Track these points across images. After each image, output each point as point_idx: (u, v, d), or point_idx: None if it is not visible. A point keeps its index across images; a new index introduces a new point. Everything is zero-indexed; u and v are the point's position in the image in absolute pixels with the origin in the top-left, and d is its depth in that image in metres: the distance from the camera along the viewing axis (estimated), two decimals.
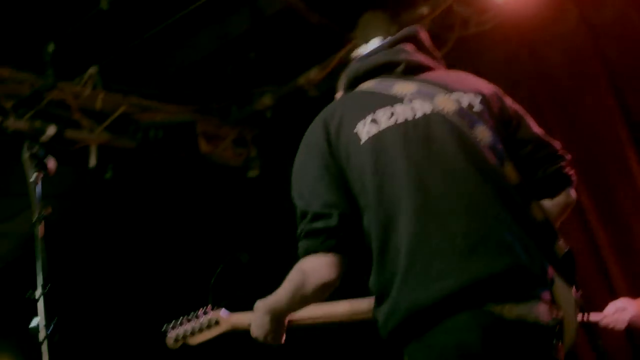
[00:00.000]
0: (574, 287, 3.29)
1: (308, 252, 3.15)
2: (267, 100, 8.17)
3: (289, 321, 3.62)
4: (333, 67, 7.79)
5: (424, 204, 3.05)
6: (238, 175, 8.66)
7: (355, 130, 3.24)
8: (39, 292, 3.18)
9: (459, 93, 3.36)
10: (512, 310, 2.90)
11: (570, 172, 3.46)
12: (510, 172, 3.20)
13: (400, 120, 3.25)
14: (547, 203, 3.37)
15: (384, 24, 7.34)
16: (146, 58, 7.67)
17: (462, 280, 2.90)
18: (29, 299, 3.21)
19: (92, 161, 7.38)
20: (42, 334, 3.09)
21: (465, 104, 3.31)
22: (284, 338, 3.58)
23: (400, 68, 3.48)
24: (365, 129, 3.23)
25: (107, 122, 7.56)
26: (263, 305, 3.45)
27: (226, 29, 7.70)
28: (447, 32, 7.55)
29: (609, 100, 7.03)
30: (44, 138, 7.02)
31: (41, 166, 3.47)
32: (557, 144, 3.47)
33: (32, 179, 3.38)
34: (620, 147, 6.93)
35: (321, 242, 3.12)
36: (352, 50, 7.50)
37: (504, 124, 3.37)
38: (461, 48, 7.59)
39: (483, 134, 3.22)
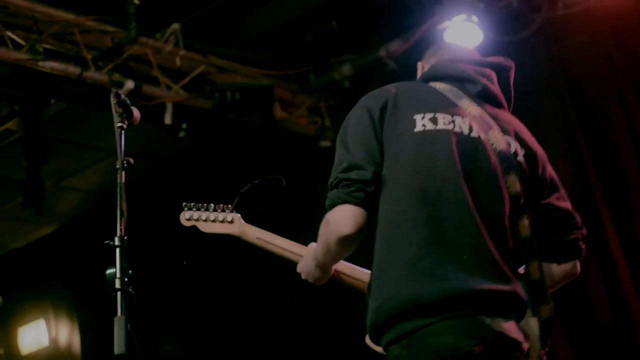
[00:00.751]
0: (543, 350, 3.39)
1: (336, 202, 3.19)
2: (346, 70, 8.10)
3: (336, 271, 3.73)
4: (415, 41, 7.71)
5: (448, 210, 3.15)
6: (310, 144, 8.60)
7: (414, 117, 3.30)
8: (117, 241, 3.13)
9: (512, 137, 3.44)
10: (499, 324, 3.05)
11: (583, 246, 3.57)
12: (523, 226, 3.30)
13: (457, 130, 3.32)
14: (552, 267, 3.54)
15: (470, 1, 7.22)
16: (228, 19, 7.66)
17: (465, 287, 3.03)
18: (106, 246, 3.18)
19: (168, 119, 7.39)
20: (117, 283, 3.04)
21: (512, 149, 3.39)
22: (324, 282, 3.71)
23: (476, 89, 3.53)
24: (422, 122, 3.30)
25: (186, 80, 7.56)
26: (313, 250, 3.57)
27: None
28: (534, 12, 7.43)
29: None
30: (122, 92, 6.99)
31: (127, 114, 3.43)
32: (578, 218, 3.58)
33: (117, 125, 3.33)
34: None
35: (351, 193, 3.17)
36: (434, 25, 7.40)
37: (539, 185, 3.49)
38: (547, 29, 7.50)
39: (513, 182, 3.31)
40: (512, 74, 3.76)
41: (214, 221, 4.03)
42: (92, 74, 6.94)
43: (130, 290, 3.12)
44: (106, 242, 3.15)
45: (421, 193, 3.16)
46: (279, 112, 8.23)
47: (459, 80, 3.55)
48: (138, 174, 9.13)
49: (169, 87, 7.50)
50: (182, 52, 7.34)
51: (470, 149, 3.29)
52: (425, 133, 3.27)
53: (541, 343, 3.33)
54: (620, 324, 6.93)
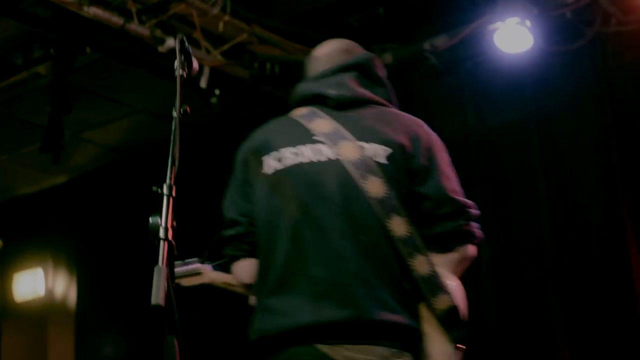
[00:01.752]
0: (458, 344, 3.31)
1: (230, 257, 3.55)
2: (386, 58, 7.96)
3: None
4: (460, 39, 7.60)
5: (295, 249, 3.27)
6: None
7: (262, 159, 3.44)
8: (166, 189, 3.01)
9: (367, 141, 3.37)
10: (340, 351, 3.13)
11: (472, 229, 3.38)
12: (396, 225, 3.24)
13: (304, 160, 3.37)
14: (439, 258, 3.35)
15: (525, 5, 7.12)
16: None
17: (300, 321, 3.18)
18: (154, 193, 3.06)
19: (203, 82, 7.30)
20: (161, 232, 2.92)
21: (368, 153, 3.34)
22: None
23: (332, 102, 3.52)
24: (272, 162, 3.41)
25: (226, 47, 7.46)
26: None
27: None
28: (586, 25, 7.33)
29: None
30: (162, 49, 6.95)
31: (188, 63, 3.32)
32: (462, 201, 3.39)
33: (177, 72, 3.23)
34: None
35: (234, 249, 3.50)
36: (485, 24, 7.30)
37: (410, 176, 3.37)
38: (597, 44, 7.43)
39: (374, 186, 3.27)
40: (377, 63, 3.74)
41: (187, 276, 4.06)
42: (135, 26, 6.84)
43: (172, 241, 2.98)
44: (154, 188, 3.02)
45: (265, 237, 3.38)
46: None
47: (315, 98, 3.57)
48: (161, 134, 9.11)
49: (208, 51, 7.41)
50: (226, 17, 7.24)
51: (315, 178, 3.34)
52: (274, 175, 3.40)
53: (449, 337, 3.27)
54: None
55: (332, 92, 3.52)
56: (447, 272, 3.32)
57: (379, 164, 3.32)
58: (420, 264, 3.23)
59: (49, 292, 10.72)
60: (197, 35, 7.22)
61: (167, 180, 3.02)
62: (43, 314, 10.70)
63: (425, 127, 3.55)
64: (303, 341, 3.18)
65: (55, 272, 10.74)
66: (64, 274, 10.66)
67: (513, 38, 7.18)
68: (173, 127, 3.15)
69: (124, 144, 9.68)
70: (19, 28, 7.38)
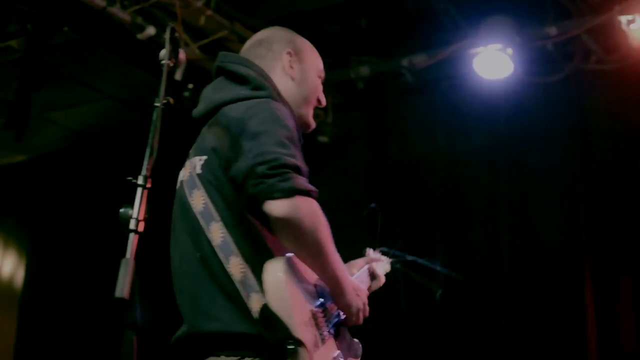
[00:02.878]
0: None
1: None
2: (363, 70, 7.95)
3: None
4: (439, 60, 7.59)
5: (173, 270, 3.38)
6: (308, 136, 8.44)
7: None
8: (141, 180, 2.93)
9: (196, 155, 3.40)
10: None
11: (267, 185, 3.04)
12: (214, 233, 3.21)
13: (180, 178, 3.45)
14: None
15: (508, 33, 7.13)
16: None
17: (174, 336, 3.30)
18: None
19: (179, 75, 7.18)
20: (132, 224, 2.85)
21: (193, 167, 3.36)
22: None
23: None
24: (181, 173, 3.48)
25: (206, 41, 7.39)
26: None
27: None
28: (566, 60, 7.35)
29: None
30: (142, 36, 6.86)
31: (175, 52, 3.27)
32: (257, 159, 3.08)
33: (164, 61, 3.17)
34: None
35: None
36: (465, 47, 7.30)
37: (225, 171, 3.24)
38: (574, 80, 7.47)
39: (197, 199, 3.28)
40: (233, 66, 3.57)
41: None
42: (116, 10, 6.75)
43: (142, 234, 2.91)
44: (129, 178, 2.94)
45: None
46: None
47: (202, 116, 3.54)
48: (127, 122, 9.01)
49: (186, 44, 7.33)
50: (209, 12, 7.18)
51: (178, 197, 3.41)
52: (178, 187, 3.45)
53: (270, 337, 3.10)
54: None
55: (196, 110, 3.57)
56: (289, 251, 3.13)
57: (198, 175, 3.31)
58: (234, 267, 3.15)
59: None
60: (178, 26, 7.12)
61: (143, 171, 2.95)
62: None
63: (246, 109, 3.29)
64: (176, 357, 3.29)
65: (4, 254, 10.52)
66: (13, 257, 10.43)
67: (492, 64, 7.20)
68: (154, 117, 3.08)
69: (89, 128, 9.54)
70: None
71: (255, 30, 7.45)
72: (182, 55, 3.35)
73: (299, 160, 3.13)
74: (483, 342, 7.41)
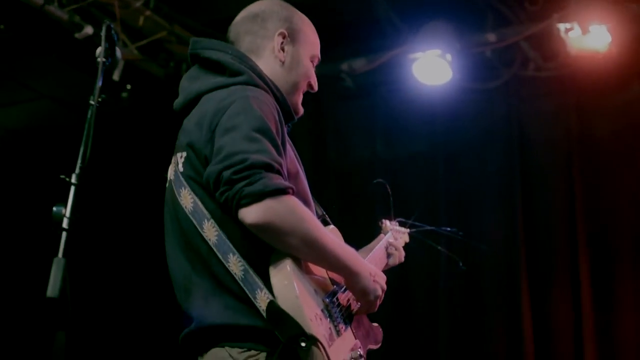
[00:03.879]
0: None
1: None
2: None
3: None
4: (379, 64, 7.61)
5: (172, 273, 3.27)
6: None
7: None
8: (74, 178, 2.90)
9: (179, 151, 3.26)
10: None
11: (236, 192, 2.93)
12: (208, 231, 3.07)
13: (167, 184, 3.33)
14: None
15: (448, 39, 7.16)
16: None
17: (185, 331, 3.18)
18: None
19: (116, 75, 7.14)
20: (65, 222, 2.81)
21: (177, 165, 3.23)
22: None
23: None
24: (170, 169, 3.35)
25: (144, 42, 7.33)
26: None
27: None
28: (504, 67, 7.41)
29: None
30: (80, 36, 6.78)
31: (112, 51, 3.20)
32: (226, 164, 2.96)
33: (100, 59, 3.11)
34: None
35: None
36: (405, 53, 7.32)
37: (205, 169, 3.09)
38: (513, 86, 7.53)
39: (186, 198, 3.14)
40: (212, 52, 3.35)
41: None
42: (54, 9, 6.65)
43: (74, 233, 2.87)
44: (62, 176, 2.90)
45: None
46: None
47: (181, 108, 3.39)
48: (62, 123, 8.89)
49: (125, 44, 7.26)
50: (148, 12, 7.10)
51: (167, 196, 3.30)
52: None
53: (280, 335, 2.98)
54: None
55: (176, 102, 3.40)
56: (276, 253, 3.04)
57: (181, 173, 3.18)
58: (234, 265, 3.00)
59: None
60: (116, 26, 7.05)
61: (77, 170, 2.91)
62: None
63: (220, 100, 3.16)
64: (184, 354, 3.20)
65: None
66: None
67: (431, 70, 7.22)
68: (89, 116, 3.03)
69: (23, 128, 9.42)
70: None
71: (194, 31, 7.53)
72: (118, 53, 3.27)
73: (268, 155, 2.96)
74: (418, 343, 7.47)
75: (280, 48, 3.41)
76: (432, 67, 7.19)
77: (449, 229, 4.55)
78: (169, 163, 3.35)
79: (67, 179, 2.88)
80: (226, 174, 2.93)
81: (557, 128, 7.39)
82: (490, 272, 7.35)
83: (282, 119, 3.20)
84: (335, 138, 8.28)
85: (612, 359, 6.90)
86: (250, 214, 2.91)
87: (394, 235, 4.10)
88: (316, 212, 3.46)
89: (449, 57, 7.08)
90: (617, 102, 7.20)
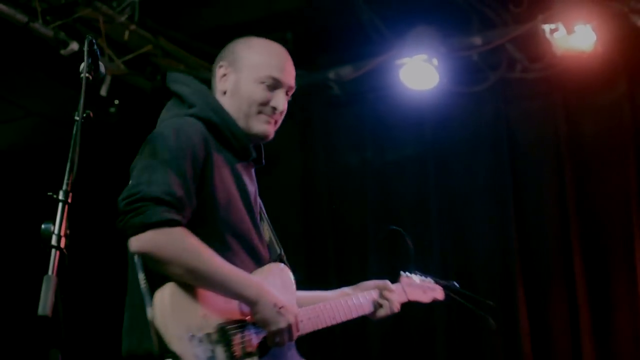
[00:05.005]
0: None
1: None
2: None
3: None
4: (366, 71, 7.60)
5: None
6: None
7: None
8: (62, 195, 2.88)
9: None
10: None
11: (125, 224, 3.12)
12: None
13: None
14: None
15: (434, 43, 7.16)
16: (186, 4, 7.47)
17: None
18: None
19: (104, 90, 7.13)
20: (53, 240, 2.79)
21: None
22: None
23: None
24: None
25: (130, 56, 7.32)
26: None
27: (275, 3, 7.49)
28: (491, 69, 7.41)
29: (632, 181, 7.00)
30: (65, 52, 6.76)
31: (95, 66, 3.18)
32: (123, 199, 3.16)
33: (83, 74, 3.09)
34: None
35: None
36: (391, 59, 7.31)
37: None
38: (500, 89, 7.53)
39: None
40: (169, 84, 3.66)
41: None
42: (38, 26, 6.63)
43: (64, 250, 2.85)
44: (50, 193, 2.88)
45: None
46: None
47: None
48: (53, 140, 8.84)
49: (111, 59, 7.24)
50: (133, 26, 7.10)
51: None
52: None
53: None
54: None
55: None
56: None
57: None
58: (142, 283, 3.13)
59: None
60: (102, 42, 7.05)
61: (64, 186, 2.89)
62: None
63: (154, 131, 3.39)
64: None
65: None
66: None
67: (418, 75, 7.22)
68: (74, 131, 3.01)
69: (12, 147, 9.39)
70: None
71: (179, 43, 7.53)
72: (102, 68, 3.25)
73: (161, 188, 3.11)
74: (418, 343, 7.46)
75: (219, 79, 3.59)
76: (419, 72, 7.20)
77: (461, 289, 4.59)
78: None
79: (55, 196, 2.86)
80: (121, 205, 3.12)
81: (546, 128, 7.41)
82: (485, 274, 7.34)
83: (214, 148, 3.35)
84: (325, 146, 8.27)
85: (609, 357, 6.89)
86: (133, 243, 3.09)
87: (412, 290, 4.40)
88: (274, 247, 3.61)
89: (435, 61, 7.09)
90: (605, 100, 7.22)
